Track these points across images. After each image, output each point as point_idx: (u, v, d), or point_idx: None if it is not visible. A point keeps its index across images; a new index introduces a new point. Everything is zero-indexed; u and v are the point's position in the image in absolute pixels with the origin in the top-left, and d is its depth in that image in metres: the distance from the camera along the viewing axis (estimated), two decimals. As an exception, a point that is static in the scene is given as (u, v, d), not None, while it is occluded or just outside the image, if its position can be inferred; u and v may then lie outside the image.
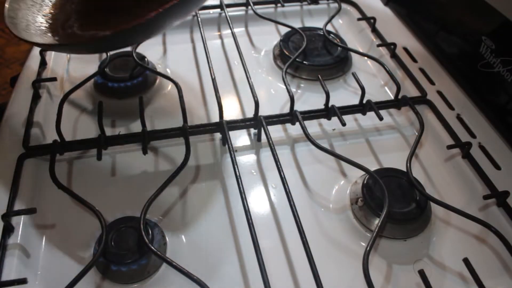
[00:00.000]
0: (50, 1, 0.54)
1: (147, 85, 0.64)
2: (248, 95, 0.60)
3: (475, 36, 0.62)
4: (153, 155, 0.55)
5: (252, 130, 0.59)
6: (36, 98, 0.60)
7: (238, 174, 0.49)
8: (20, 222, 0.47)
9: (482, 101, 0.62)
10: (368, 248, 0.42)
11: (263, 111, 0.58)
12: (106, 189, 0.52)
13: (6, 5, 0.50)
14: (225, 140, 0.55)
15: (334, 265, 0.46)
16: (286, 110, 0.59)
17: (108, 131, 0.56)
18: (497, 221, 0.49)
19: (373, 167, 0.53)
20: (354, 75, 0.62)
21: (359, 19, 0.78)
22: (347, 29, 0.81)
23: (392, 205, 0.48)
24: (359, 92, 0.60)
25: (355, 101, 0.61)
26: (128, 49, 0.64)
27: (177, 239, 0.47)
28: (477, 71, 0.62)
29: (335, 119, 0.58)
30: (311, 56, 0.69)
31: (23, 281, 0.42)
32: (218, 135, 0.57)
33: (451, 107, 0.63)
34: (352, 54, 0.72)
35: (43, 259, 0.46)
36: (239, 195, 0.47)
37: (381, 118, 0.58)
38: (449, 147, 0.56)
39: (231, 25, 0.72)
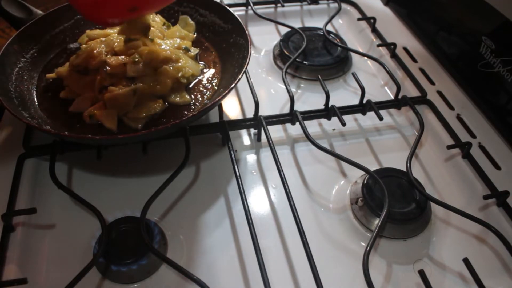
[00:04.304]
0: None
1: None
2: (248, 95, 0.60)
3: (475, 36, 0.62)
4: (153, 155, 0.55)
5: (252, 130, 0.59)
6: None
7: (238, 174, 0.49)
8: (20, 222, 0.47)
9: (482, 101, 0.62)
10: (368, 248, 0.42)
11: (263, 111, 0.58)
12: (106, 189, 0.52)
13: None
14: (225, 140, 0.55)
15: (334, 265, 0.46)
16: (286, 110, 0.59)
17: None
18: (497, 221, 0.49)
19: (373, 167, 0.53)
20: (354, 75, 0.62)
21: (359, 19, 0.78)
22: (347, 29, 0.81)
23: (392, 205, 0.48)
24: (359, 92, 0.60)
25: (355, 101, 0.61)
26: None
27: (177, 239, 0.47)
28: (477, 71, 0.62)
29: (335, 119, 0.58)
30: (311, 56, 0.69)
31: (23, 281, 0.42)
32: (218, 135, 0.57)
33: (451, 107, 0.63)
34: (352, 54, 0.72)
35: (43, 259, 0.45)
36: (239, 195, 0.47)
37: (381, 118, 0.58)
38: (449, 147, 0.56)
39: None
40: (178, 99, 0.54)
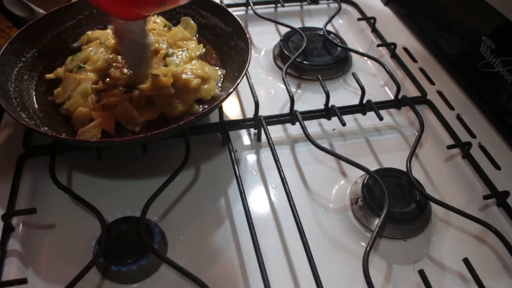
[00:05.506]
0: None
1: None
2: (248, 95, 0.60)
3: (475, 36, 0.62)
4: (153, 155, 0.55)
5: (252, 130, 0.59)
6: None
7: (238, 174, 0.49)
8: (20, 222, 0.47)
9: (482, 101, 0.62)
10: (368, 248, 0.42)
11: (263, 111, 0.58)
12: (106, 189, 0.52)
13: None
14: (225, 140, 0.55)
15: (334, 265, 0.46)
16: (286, 110, 0.59)
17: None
18: (497, 221, 0.49)
19: (373, 167, 0.53)
20: (354, 75, 0.62)
21: (359, 19, 0.78)
22: (347, 29, 0.81)
23: (392, 205, 0.48)
24: (359, 92, 0.60)
25: (355, 101, 0.61)
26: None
27: (177, 239, 0.47)
28: (477, 71, 0.62)
29: (335, 119, 0.58)
30: (311, 56, 0.69)
31: (23, 281, 0.42)
32: (218, 135, 0.57)
33: (451, 107, 0.63)
34: (352, 54, 0.72)
35: (43, 259, 0.45)
36: (239, 195, 0.47)
37: (381, 118, 0.58)
38: (449, 147, 0.56)
39: (231, 25, 0.71)
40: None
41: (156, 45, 0.56)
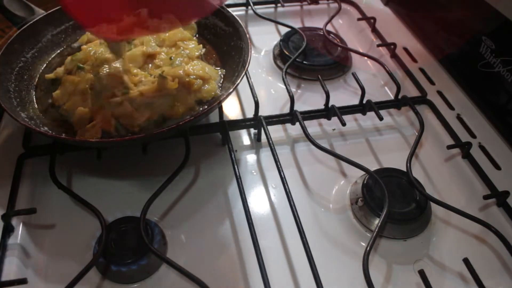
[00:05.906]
0: None
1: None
2: (248, 95, 0.60)
3: (475, 36, 0.62)
4: (153, 155, 0.55)
5: (252, 130, 0.59)
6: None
7: (238, 174, 0.49)
8: (20, 222, 0.47)
9: (482, 101, 0.62)
10: (368, 248, 0.42)
11: (263, 111, 0.58)
12: (106, 189, 0.52)
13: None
14: (225, 140, 0.55)
15: (334, 265, 0.46)
16: (286, 110, 0.59)
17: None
18: (497, 221, 0.49)
19: (373, 167, 0.53)
20: (354, 75, 0.62)
21: (359, 19, 0.78)
22: (347, 29, 0.81)
23: (392, 205, 0.48)
24: (359, 92, 0.60)
25: (355, 101, 0.61)
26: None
27: (177, 239, 0.47)
28: (477, 71, 0.62)
29: (335, 119, 0.58)
30: (311, 56, 0.69)
31: (23, 281, 0.42)
32: (218, 135, 0.57)
33: (451, 107, 0.63)
34: (352, 54, 0.72)
35: (43, 259, 0.45)
36: (239, 195, 0.47)
37: (381, 118, 0.58)
38: (449, 147, 0.56)
39: (231, 25, 0.71)
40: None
41: (152, 49, 0.56)
